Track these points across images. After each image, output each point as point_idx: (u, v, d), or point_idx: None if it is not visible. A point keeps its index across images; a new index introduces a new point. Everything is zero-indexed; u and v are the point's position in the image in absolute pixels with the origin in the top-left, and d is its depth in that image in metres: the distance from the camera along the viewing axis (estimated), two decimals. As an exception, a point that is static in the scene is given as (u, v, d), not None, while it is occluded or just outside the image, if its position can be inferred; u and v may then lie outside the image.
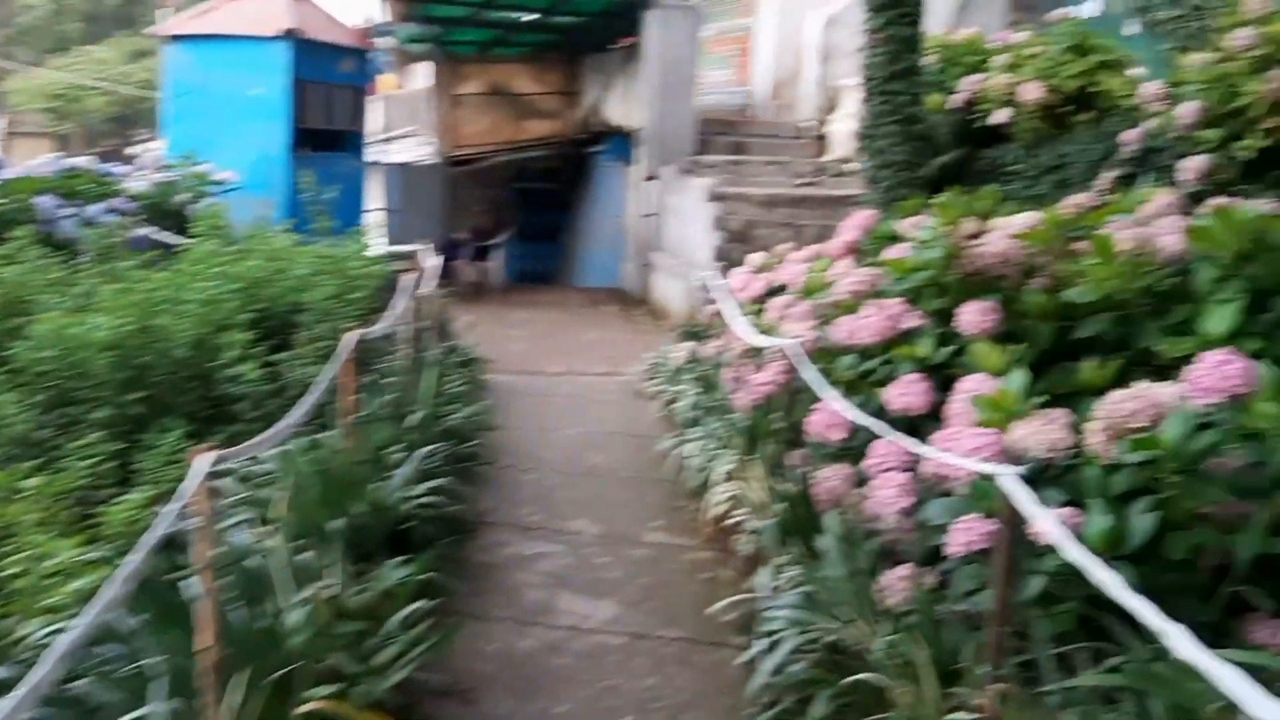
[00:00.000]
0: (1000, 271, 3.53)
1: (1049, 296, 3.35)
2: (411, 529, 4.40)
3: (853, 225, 5.00)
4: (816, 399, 3.36)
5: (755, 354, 4.59)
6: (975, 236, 3.67)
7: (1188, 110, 5.18)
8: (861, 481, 3.10)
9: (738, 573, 4.05)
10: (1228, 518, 2.27)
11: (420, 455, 4.88)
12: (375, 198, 15.07)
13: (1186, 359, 2.95)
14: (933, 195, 6.04)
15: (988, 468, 2.31)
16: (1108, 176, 5.95)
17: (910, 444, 2.73)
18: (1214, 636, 2.31)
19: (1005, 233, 4.03)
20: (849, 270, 4.68)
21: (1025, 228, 4.00)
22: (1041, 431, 2.58)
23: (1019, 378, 2.78)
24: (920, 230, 3.63)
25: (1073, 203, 5.05)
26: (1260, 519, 2.21)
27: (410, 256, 10.76)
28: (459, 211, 16.39)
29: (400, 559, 3.83)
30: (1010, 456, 2.53)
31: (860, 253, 5.11)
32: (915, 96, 7.22)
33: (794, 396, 3.53)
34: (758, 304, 5.76)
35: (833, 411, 3.15)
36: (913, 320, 3.26)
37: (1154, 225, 3.54)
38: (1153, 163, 5.69)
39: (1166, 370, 3.14)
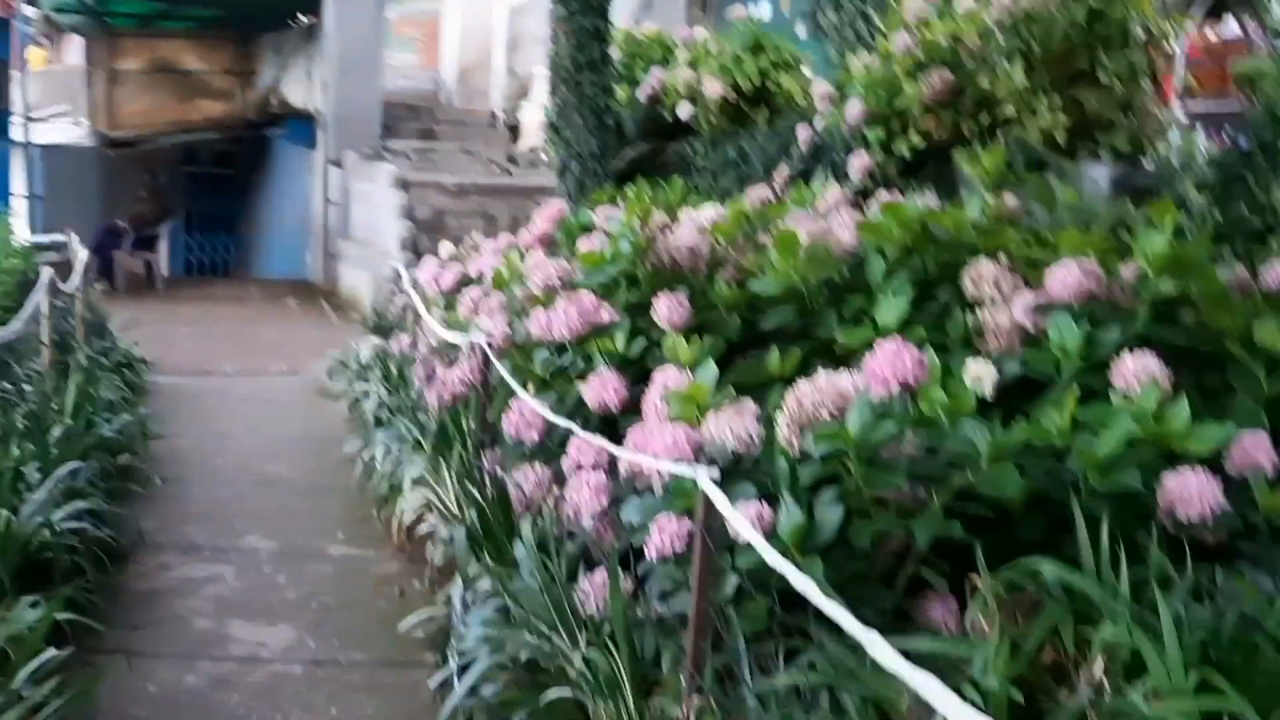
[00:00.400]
0: (690, 264, 3.51)
1: (736, 289, 3.36)
2: (51, 560, 3.82)
3: (545, 216, 4.87)
4: (511, 396, 3.19)
5: (448, 350, 4.36)
6: (665, 229, 3.64)
7: (853, 110, 5.47)
8: (561, 482, 2.96)
9: (430, 585, 3.81)
10: (906, 503, 2.31)
11: (62, 474, 4.26)
12: (19, 182, 13.37)
13: (866, 348, 3.06)
14: (623, 187, 6.06)
15: (678, 468, 2.23)
16: (784, 172, 6.19)
17: (603, 443, 2.62)
18: (895, 620, 2.37)
19: (693, 226, 4.05)
20: (542, 262, 4.55)
21: (711, 221, 4.03)
22: (732, 423, 2.54)
23: (709, 370, 2.74)
24: (612, 222, 3.55)
25: (755, 196, 5.21)
26: (935, 503, 2.26)
27: (58, 248, 9.58)
28: (118, 198, 14.87)
29: (34, 597, 3.29)
30: (704, 450, 2.47)
31: (553, 244, 4.99)
32: (604, 88, 7.24)
33: (488, 395, 3.34)
34: (450, 297, 5.52)
35: (527, 410, 3.00)
36: (607, 314, 3.16)
37: (830, 220, 3.65)
38: (824, 159, 5.98)
39: (847, 360, 3.24)
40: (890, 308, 2.99)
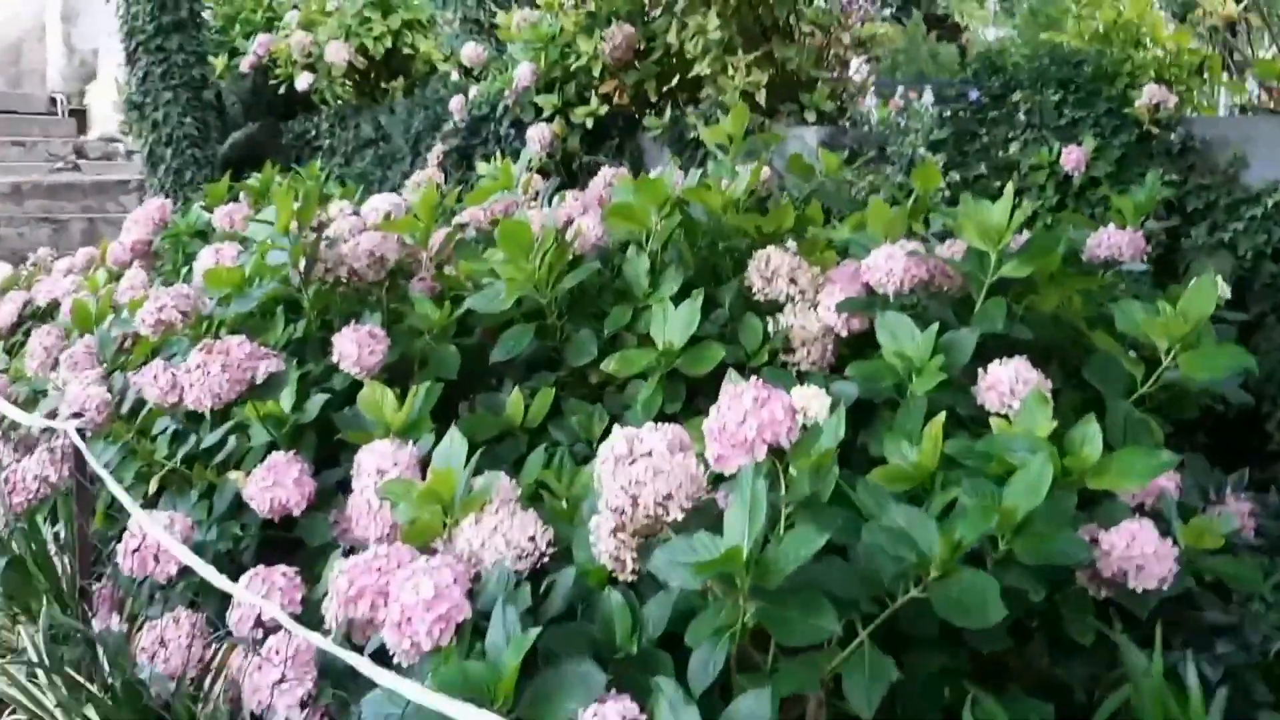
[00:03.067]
0: (375, 277, 2.53)
1: (448, 306, 2.43)
2: None
3: (141, 219, 3.60)
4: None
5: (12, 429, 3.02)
6: (322, 230, 2.62)
7: (522, 74, 4.64)
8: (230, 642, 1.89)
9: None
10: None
11: None
12: None
13: (644, 378, 2.26)
14: (235, 177, 4.83)
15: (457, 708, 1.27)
16: (438, 150, 5.24)
17: (318, 640, 1.57)
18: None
19: (361, 224, 3.03)
20: (140, 284, 3.32)
21: (386, 214, 3.04)
22: (508, 532, 1.65)
23: (455, 447, 1.80)
24: (253, 226, 2.46)
25: (415, 181, 4.23)
26: (867, 645, 1.51)
27: None
28: None
29: None
30: (479, 586, 1.56)
31: (155, 258, 3.74)
32: (198, 56, 5.87)
33: (86, 505, 2.16)
34: (9, 340, 4.06)
35: (151, 537, 1.89)
36: (268, 364, 2.10)
37: (562, 209, 2.81)
38: (486, 133, 5.11)
39: (601, 395, 2.44)
40: (675, 320, 2.20)
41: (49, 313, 4.17)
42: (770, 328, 2.31)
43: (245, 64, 6.24)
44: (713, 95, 4.39)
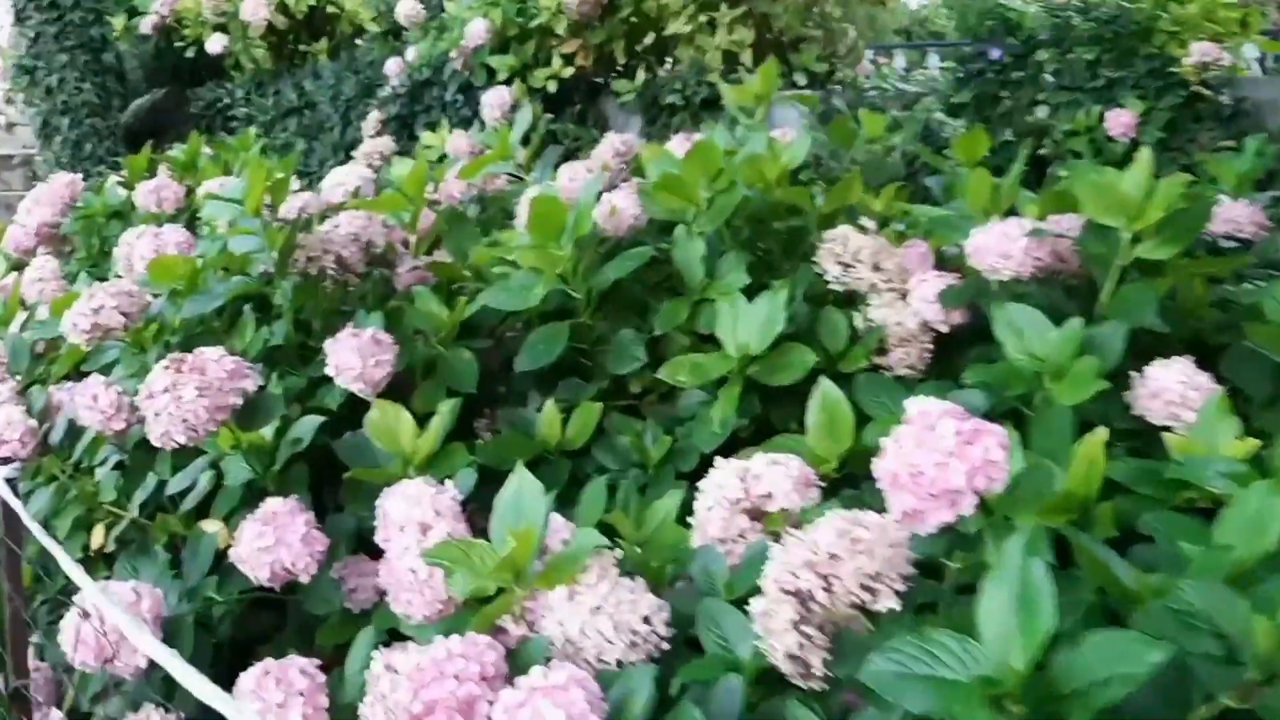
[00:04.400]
0: (358, 269, 2.06)
1: (461, 304, 1.99)
2: None
3: (47, 198, 3.03)
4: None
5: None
6: (301, 212, 2.14)
7: (476, 31, 4.16)
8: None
9: None
10: None
11: None
12: None
13: (716, 388, 1.87)
14: (137, 151, 4.25)
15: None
16: (375, 117, 4.73)
17: None
18: None
19: (318, 203, 2.55)
20: (54, 275, 2.78)
21: (350, 191, 2.57)
22: (616, 613, 1.24)
23: (530, 493, 1.37)
24: (209, 205, 1.94)
25: (367, 152, 3.74)
26: None
27: None
28: None
29: None
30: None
31: (63, 243, 3.18)
32: (96, 14, 5.21)
33: (15, 574, 1.64)
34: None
35: (104, 617, 1.41)
36: (250, 381, 1.62)
37: (567, 180, 2.37)
38: (430, 98, 4.61)
39: (637, 407, 2.04)
40: (750, 318, 1.81)
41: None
42: (860, 326, 1.93)
43: (147, 24, 5.57)
44: (687, 56, 3.99)
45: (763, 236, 2.22)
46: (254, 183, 1.86)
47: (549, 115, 4.22)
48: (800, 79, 3.88)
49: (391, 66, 4.66)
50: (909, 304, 1.95)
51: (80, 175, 3.51)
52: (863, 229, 2.05)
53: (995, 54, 3.23)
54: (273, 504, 1.50)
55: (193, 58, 5.55)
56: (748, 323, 1.83)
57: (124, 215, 3.10)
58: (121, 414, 1.82)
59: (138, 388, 1.90)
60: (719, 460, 1.43)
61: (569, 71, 4.08)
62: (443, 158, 4.16)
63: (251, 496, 1.71)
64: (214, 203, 1.87)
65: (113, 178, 3.24)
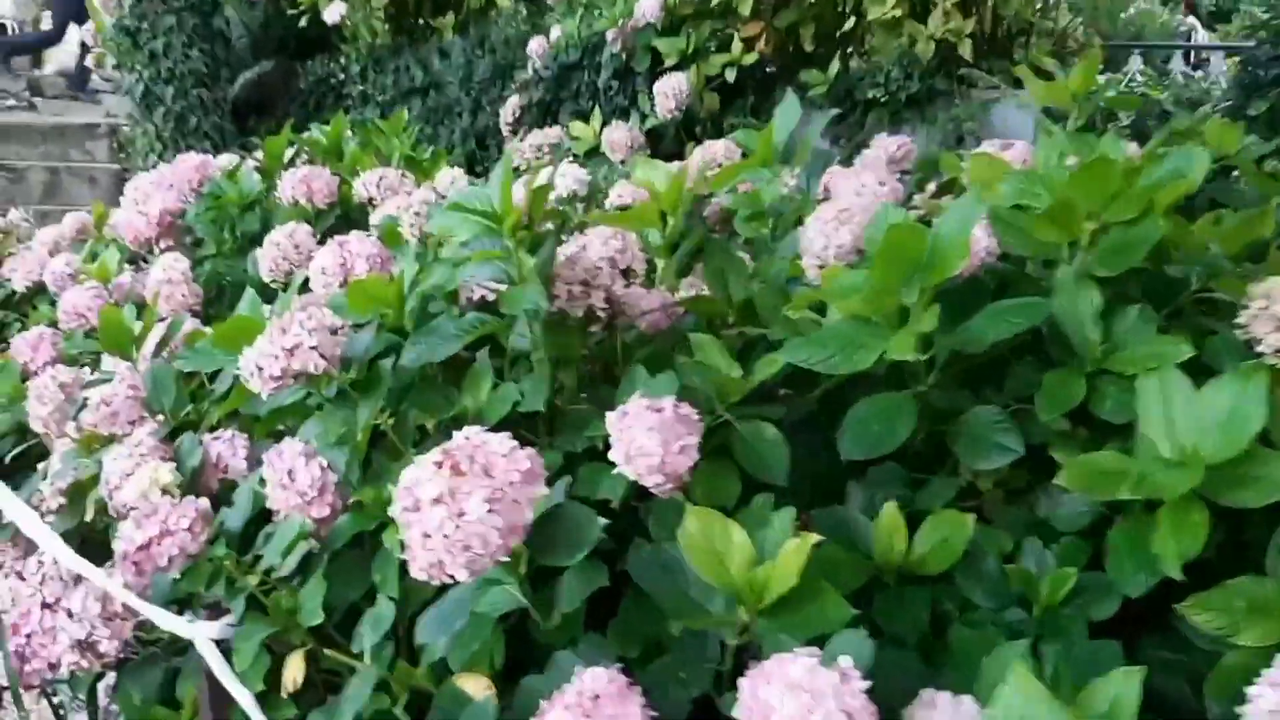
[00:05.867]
0: (632, 311, 1.55)
1: (765, 362, 1.47)
2: None
3: (173, 179, 2.56)
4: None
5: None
6: (560, 230, 1.63)
7: (649, 7, 3.64)
8: None
9: None
10: None
11: None
12: None
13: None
14: (247, 127, 3.80)
15: None
16: (513, 104, 4.24)
17: None
18: None
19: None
20: (184, 279, 2.32)
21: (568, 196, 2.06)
22: None
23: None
24: (438, 215, 1.43)
25: (534, 145, 3.24)
26: None
27: None
28: None
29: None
30: None
31: (186, 233, 2.72)
32: (206, -28, 4.76)
33: None
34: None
35: None
36: (537, 464, 1.11)
37: (853, 193, 1.84)
38: (579, 83, 4.11)
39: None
40: (1198, 406, 1.27)
41: (29, 300, 3.12)
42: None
43: (257, -11, 5.14)
44: (890, 45, 3.45)
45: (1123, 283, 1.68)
46: (507, 190, 1.36)
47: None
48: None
49: (534, 46, 4.16)
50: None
51: (173, 153, 3.05)
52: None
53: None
54: (593, 680, 0.99)
55: (303, 28, 5.10)
56: (1196, 415, 1.29)
57: (260, 206, 2.63)
58: (326, 497, 1.33)
59: (337, 455, 1.42)
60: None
61: (751, 58, 3.55)
62: (591, 151, 3.67)
63: (513, 633, 1.21)
64: (455, 215, 1.37)
65: (249, 161, 2.76)
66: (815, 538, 1.16)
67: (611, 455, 1.30)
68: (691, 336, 1.54)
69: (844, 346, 1.47)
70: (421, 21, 5.08)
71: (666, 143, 3.67)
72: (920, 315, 1.40)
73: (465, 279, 1.44)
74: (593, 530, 1.15)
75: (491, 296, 1.61)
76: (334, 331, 1.43)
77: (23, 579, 1.35)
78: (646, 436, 1.28)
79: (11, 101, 8.44)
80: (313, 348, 1.39)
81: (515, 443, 1.09)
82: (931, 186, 2.14)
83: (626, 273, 1.59)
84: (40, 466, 2.07)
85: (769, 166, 2.01)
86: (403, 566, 1.31)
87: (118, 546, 1.30)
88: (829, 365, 1.45)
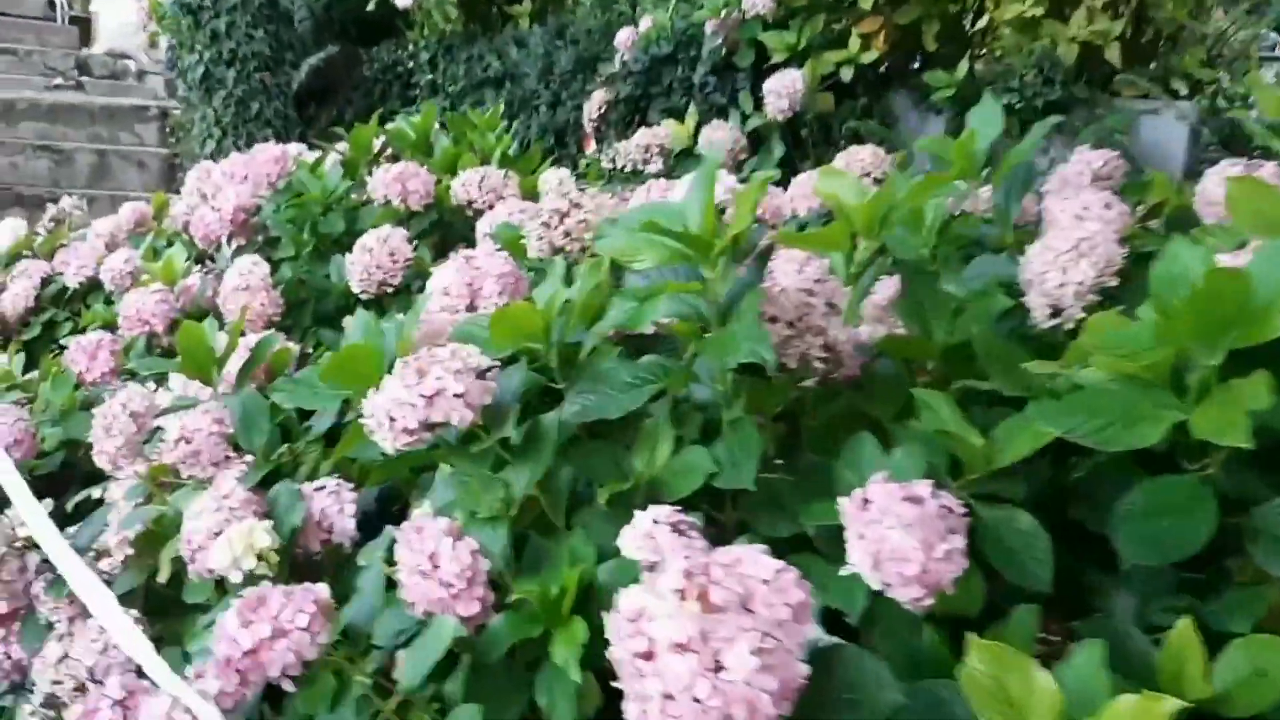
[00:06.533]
0: (851, 365, 1.26)
1: (1009, 432, 1.17)
2: None
3: (250, 171, 2.29)
4: None
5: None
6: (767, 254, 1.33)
7: (759, -3, 3.34)
8: None
9: None
10: None
11: None
12: None
13: None
14: (306, 114, 3.54)
15: None
16: (598, 99, 3.95)
17: None
18: None
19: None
20: (264, 286, 2.05)
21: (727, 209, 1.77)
22: None
23: None
24: (659, 236, 1.13)
25: (642, 145, 2.95)
26: None
27: None
28: None
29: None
30: None
31: (261, 230, 2.45)
32: (273, -51, 4.50)
33: None
34: (18, 337, 2.76)
35: None
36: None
37: (1072, 218, 1.54)
38: (672, 79, 3.81)
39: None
40: None
41: (81, 298, 2.87)
42: None
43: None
44: (1023, 47, 3.13)
45: None
46: (710, 208, 1.07)
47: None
48: (1181, 86, 3.00)
49: (622, 37, 3.87)
50: None
51: (235, 143, 2.79)
52: None
53: None
54: None
55: (370, 11, 4.83)
56: None
57: (343, 204, 2.35)
58: (476, 590, 1.05)
59: (488, 534, 1.13)
60: None
61: (870, 55, 3.24)
62: (683, 153, 3.38)
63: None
64: (643, 235, 1.07)
65: (332, 155, 2.48)
66: (1169, 701, 0.86)
67: (849, 555, 1.01)
68: (918, 394, 1.23)
69: (1123, 415, 1.16)
70: (496, 9, 4.80)
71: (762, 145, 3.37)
72: (1236, 385, 1.09)
73: (662, 316, 1.15)
74: (888, 696, 0.85)
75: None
76: (481, 374, 1.14)
77: (92, 677, 1.08)
78: (903, 536, 0.98)
79: (59, 81, 8.24)
80: (458, 395, 1.10)
81: (779, 562, 0.79)
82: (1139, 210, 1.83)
83: (831, 311, 1.29)
84: (91, 492, 1.81)
85: (968, 179, 1.71)
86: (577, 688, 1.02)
87: (218, 649, 1.02)
88: (1104, 438, 1.14)
